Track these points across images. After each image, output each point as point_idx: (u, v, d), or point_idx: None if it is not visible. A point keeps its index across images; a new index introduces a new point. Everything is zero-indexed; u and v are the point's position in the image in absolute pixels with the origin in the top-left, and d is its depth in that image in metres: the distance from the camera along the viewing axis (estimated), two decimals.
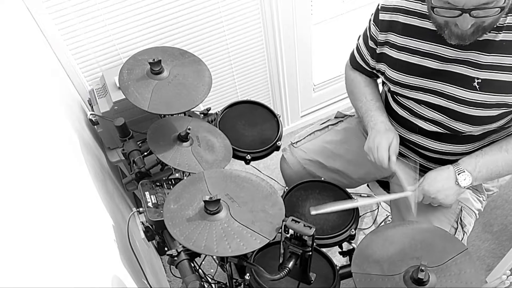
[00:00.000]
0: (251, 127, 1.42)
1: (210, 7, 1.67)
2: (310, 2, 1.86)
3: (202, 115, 1.49)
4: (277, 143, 1.37)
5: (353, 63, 1.36)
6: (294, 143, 1.47)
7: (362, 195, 2.01)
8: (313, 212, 1.08)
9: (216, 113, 1.45)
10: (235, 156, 1.32)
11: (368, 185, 1.65)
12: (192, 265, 1.01)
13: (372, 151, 1.19)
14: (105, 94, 1.51)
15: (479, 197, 1.29)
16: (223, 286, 1.21)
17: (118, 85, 1.39)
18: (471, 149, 1.18)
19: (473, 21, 0.94)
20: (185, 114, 1.38)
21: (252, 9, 1.75)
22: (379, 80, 1.35)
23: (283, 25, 1.85)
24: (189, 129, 1.18)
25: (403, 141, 1.28)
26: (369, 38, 1.25)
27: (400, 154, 1.33)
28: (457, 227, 1.22)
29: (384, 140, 1.17)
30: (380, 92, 1.39)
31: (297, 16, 1.85)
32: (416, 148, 1.26)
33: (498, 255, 1.78)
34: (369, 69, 1.31)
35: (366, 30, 1.27)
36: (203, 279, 1.07)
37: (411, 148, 1.28)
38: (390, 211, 1.79)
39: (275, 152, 1.40)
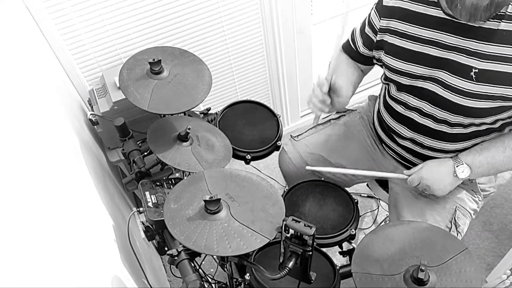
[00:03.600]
0: (251, 127, 1.42)
1: (210, 7, 1.67)
2: (310, 2, 1.86)
3: (202, 114, 1.49)
4: (277, 143, 1.38)
5: (345, 47, 1.35)
6: (295, 137, 1.45)
7: (362, 195, 2.02)
8: (307, 168, 1.26)
9: (216, 113, 1.45)
10: (235, 156, 1.32)
11: (368, 185, 1.66)
12: (193, 264, 1.01)
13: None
14: (105, 94, 1.51)
15: (475, 197, 1.29)
16: (223, 285, 1.21)
17: (118, 85, 1.39)
18: (463, 147, 1.18)
19: None
20: (185, 114, 1.38)
21: (251, 9, 1.75)
22: (379, 80, 1.34)
23: (283, 25, 1.85)
24: (189, 128, 1.18)
25: (401, 139, 1.28)
26: (366, 25, 1.23)
27: (397, 154, 1.33)
28: (451, 227, 1.22)
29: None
30: (380, 92, 1.39)
31: (297, 16, 1.85)
32: (411, 145, 1.25)
33: (498, 254, 1.79)
34: (357, 51, 1.30)
35: (365, 18, 1.26)
36: (203, 279, 1.07)
37: (406, 148, 1.28)
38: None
39: (275, 152, 1.40)
